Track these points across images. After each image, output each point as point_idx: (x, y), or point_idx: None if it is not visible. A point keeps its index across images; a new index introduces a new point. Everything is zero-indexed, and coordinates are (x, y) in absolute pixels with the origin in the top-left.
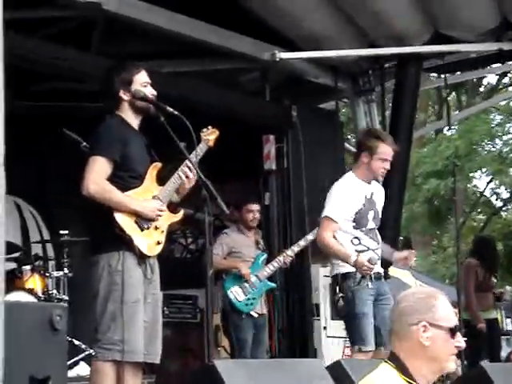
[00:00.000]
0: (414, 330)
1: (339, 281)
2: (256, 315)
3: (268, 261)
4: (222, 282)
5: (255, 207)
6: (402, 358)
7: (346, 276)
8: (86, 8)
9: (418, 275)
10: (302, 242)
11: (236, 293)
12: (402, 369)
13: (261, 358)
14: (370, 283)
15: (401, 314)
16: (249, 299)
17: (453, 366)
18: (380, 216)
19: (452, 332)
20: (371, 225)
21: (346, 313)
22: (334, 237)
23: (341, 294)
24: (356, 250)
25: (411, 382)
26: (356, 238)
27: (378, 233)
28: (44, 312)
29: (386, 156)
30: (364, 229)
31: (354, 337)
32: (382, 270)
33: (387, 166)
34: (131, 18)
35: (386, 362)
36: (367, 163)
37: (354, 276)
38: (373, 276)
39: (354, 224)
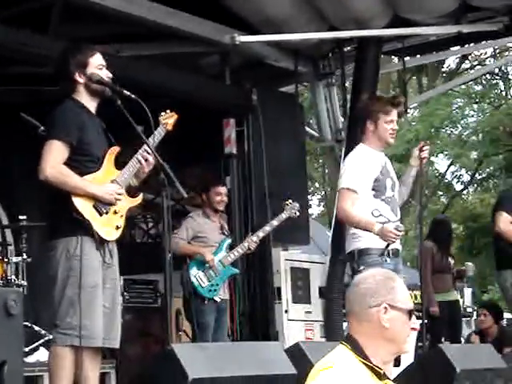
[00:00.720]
0: (374, 311)
1: (356, 257)
2: (219, 300)
3: (232, 246)
4: (186, 266)
5: (223, 190)
6: (358, 339)
7: (362, 252)
8: None
9: None
10: (267, 228)
11: (200, 278)
12: (358, 350)
13: (222, 341)
14: (388, 259)
15: (360, 295)
16: (212, 285)
17: (408, 347)
18: (397, 187)
19: (409, 314)
20: (390, 193)
21: None
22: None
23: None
24: (377, 222)
25: (367, 363)
26: (376, 209)
27: (397, 205)
28: None
29: (390, 117)
30: (384, 197)
31: None
32: (400, 247)
33: (395, 126)
34: (89, 1)
35: (342, 343)
36: (373, 130)
37: (371, 252)
38: (391, 252)
39: (374, 192)
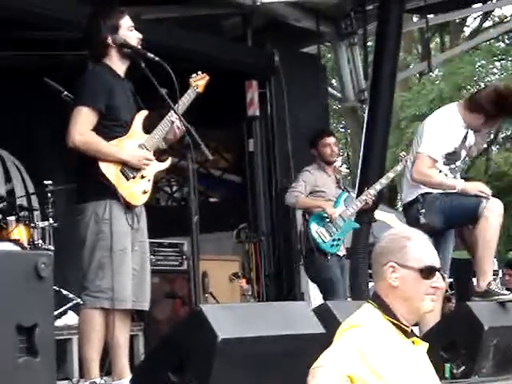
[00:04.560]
0: (384, 270)
1: (420, 200)
2: (342, 254)
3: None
4: (306, 222)
5: (331, 140)
6: (382, 297)
7: (425, 195)
8: None
9: (403, 218)
10: (384, 180)
11: (322, 234)
12: (384, 308)
13: (343, 299)
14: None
15: (376, 254)
16: (334, 240)
17: (429, 306)
18: (467, 160)
19: (423, 272)
20: (459, 163)
21: (447, 208)
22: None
23: (423, 210)
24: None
25: (393, 321)
26: (445, 174)
27: (460, 173)
28: (29, 260)
29: None
30: (453, 166)
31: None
32: None
33: None
34: None
35: (368, 302)
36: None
37: (432, 194)
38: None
39: (445, 160)
